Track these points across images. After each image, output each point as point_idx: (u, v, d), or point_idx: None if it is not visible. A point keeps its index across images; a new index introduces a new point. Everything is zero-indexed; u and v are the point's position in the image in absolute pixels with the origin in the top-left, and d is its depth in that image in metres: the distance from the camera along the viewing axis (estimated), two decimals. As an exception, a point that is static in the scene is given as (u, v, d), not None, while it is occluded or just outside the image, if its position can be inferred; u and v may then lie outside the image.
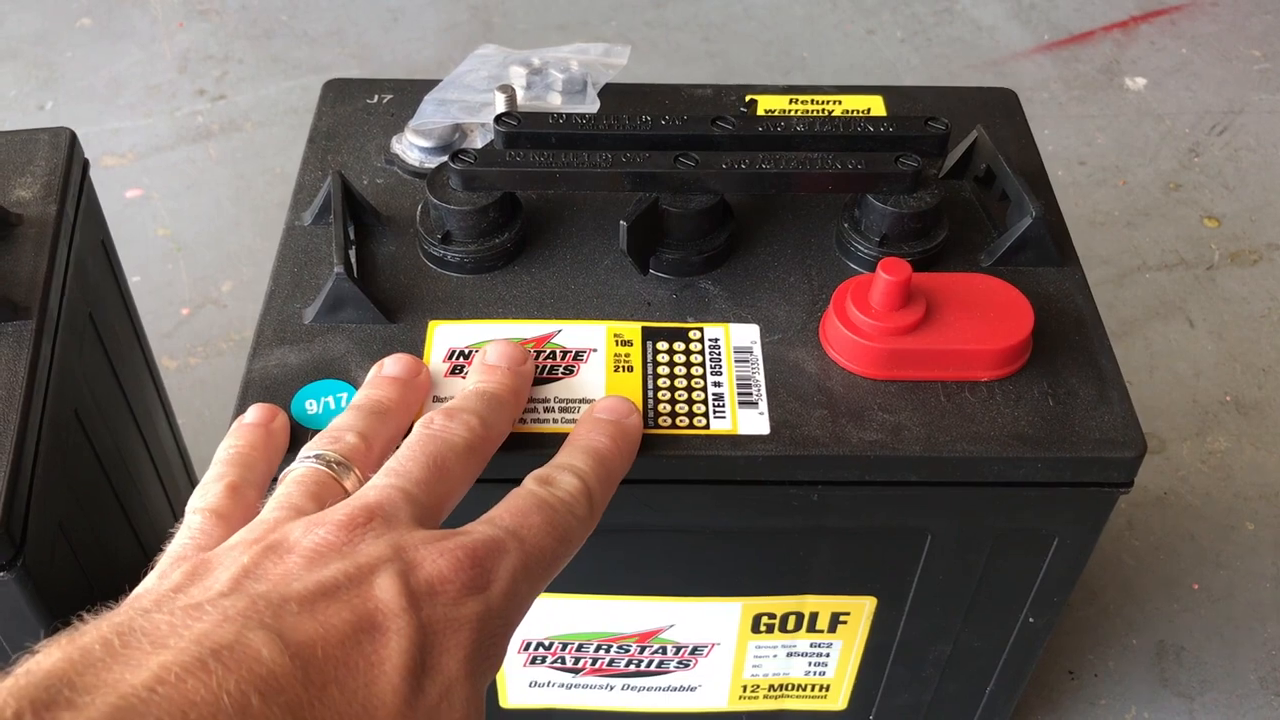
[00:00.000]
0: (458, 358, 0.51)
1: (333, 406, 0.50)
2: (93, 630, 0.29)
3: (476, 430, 0.42)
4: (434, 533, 0.37)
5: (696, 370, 0.51)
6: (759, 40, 1.45)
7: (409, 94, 0.64)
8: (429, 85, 0.63)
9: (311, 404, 0.50)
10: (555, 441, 0.49)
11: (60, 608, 0.52)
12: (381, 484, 0.39)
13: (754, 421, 0.50)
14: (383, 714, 0.30)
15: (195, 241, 1.16)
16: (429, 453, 0.40)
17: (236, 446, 0.44)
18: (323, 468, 0.41)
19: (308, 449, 0.42)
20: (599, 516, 0.43)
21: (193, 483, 0.84)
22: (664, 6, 1.49)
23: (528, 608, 0.38)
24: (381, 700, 0.30)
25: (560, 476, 0.42)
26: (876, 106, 0.65)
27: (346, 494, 0.40)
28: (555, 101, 0.62)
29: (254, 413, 0.47)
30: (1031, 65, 1.42)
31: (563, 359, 0.52)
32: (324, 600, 0.32)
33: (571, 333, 0.53)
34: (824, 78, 1.38)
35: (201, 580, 0.33)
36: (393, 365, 0.48)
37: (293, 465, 0.41)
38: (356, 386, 0.50)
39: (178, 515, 0.78)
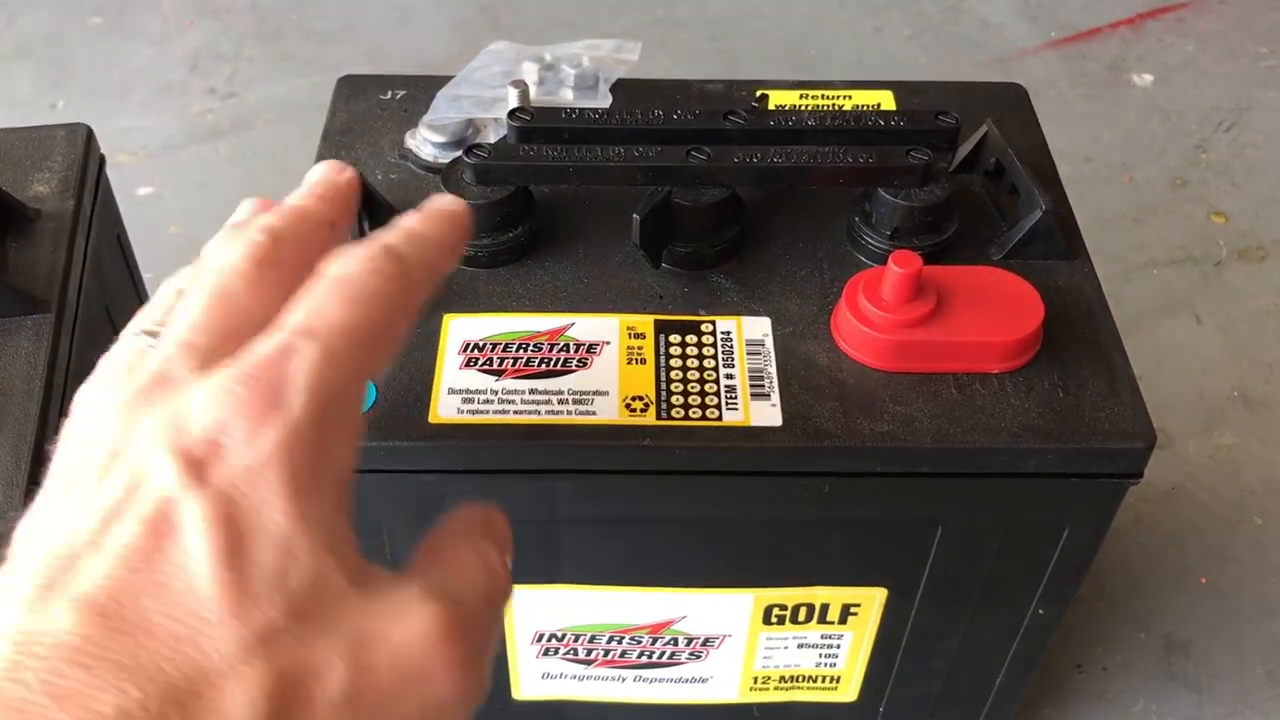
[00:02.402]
0: (472, 350, 0.52)
1: (349, 398, 0.50)
2: None
3: (260, 242, 0.34)
4: (207, 373, 0.30)
5: (709, 362, 0.52)
6: (767, 38, 1.45)
7: (422, 90, 0.65)
8: (442, 81, 0.63)
9: (328, 396, 0.50)
10: (571, 433, 0.49)
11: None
12: (161, 348, 0.32)
13: (766, 413, 0.50)
14: (216, 609, 0.26)
15: (207, 239, 1.16)
16: (205, 288, 0.33)
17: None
18: (142, 343, 0.34)
19: (131, 325, 0.35)
20: (421, 279, 0.35)
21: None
22: (672, 4, 1.49)
23: (358, 397, 0.31)
24: (209, 597, 0.26)
25: (356, 251, 0.34)
26: (886, 101, 0.65)
27: None
28: (567, 97, 0.63)
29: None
30: (1038, 62, 1.42)
31: (576, 352, 0.52)
32: (114, 528, 0.27)
33: (585, 326, 0.53)
34: (831, 75, 1.38)
35: (12, 566, 0.28)
36: (242, 209, 0.41)
37: (111, 349, 0.35)
38: (372, 379, 0.51)
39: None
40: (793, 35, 1.46)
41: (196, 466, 0.28)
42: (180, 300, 0.33)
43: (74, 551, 0.27)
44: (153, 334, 0.34)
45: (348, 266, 0.33)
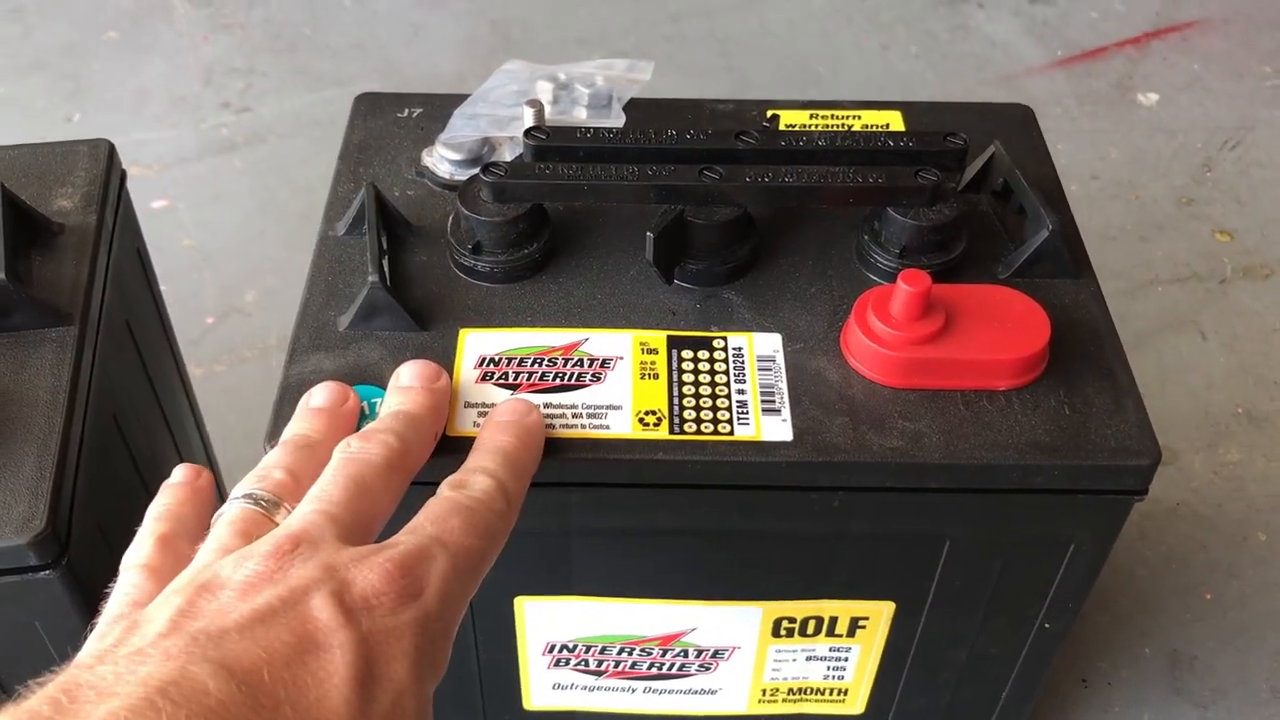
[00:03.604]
0: (488, 365, 0.53)
1: (367, 412, 0.51)
2: (38, 694, 0.30)
3: (394, 447, 0.43)
4: (362, 549, 0.38)
5: (720, 378, 0.53)
6: (775, 55, 1.46)
7: (438, 108, 0.66)
8: (458, 100, 0.64)
9: (347, 409, 0.51)
10: (585, 446, 0.50)
11: (99, 607, 0.53)
12: (304, 511, 0.39)
13: (777, 428, 0.51)
14: None
15: (220, 252, 1.18)
16: (348, 474, 0.41)
17: (165, 504, 0.44)
18: (251, 506, 0.41)
19: (236, 490, 0.42)
20: (518, 509, 0.44)
21: (222, 489, 0.85)
22: (681, 21, 1.51)
23: (463, 607, 0.39)
24: (335, 713, 0.32)
25: (472, 479, 0.43)
26: (895, 121, 0.66)
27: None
28: (581, 116, 0.64)
29: (179, 473, 0.46)
30: (1045, 81, 1.43)
31: (590, 366, 0.53)
32: (262, 626, 0.33)
33: (598, 341, 0.54)
34: (839, 92, 1.40)
35: (140, 630, 0.34)
36: (319, 396, 0.49)
37: (223, 508, 0.42)
38: (390, 392, 0.52)
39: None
40: (801, 53, 1.47)
41: (349, 613, 0.34)
42: (322, 477, 0.41)
43: (221, 631, 0.32)
44: (252, 498, 0.41)
45: (471, 495, 0.42)
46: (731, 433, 0.51)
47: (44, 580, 0.49)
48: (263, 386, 1.08)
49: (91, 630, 0.37)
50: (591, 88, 0.64)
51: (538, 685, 0.64)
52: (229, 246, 1.18)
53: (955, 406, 0.52)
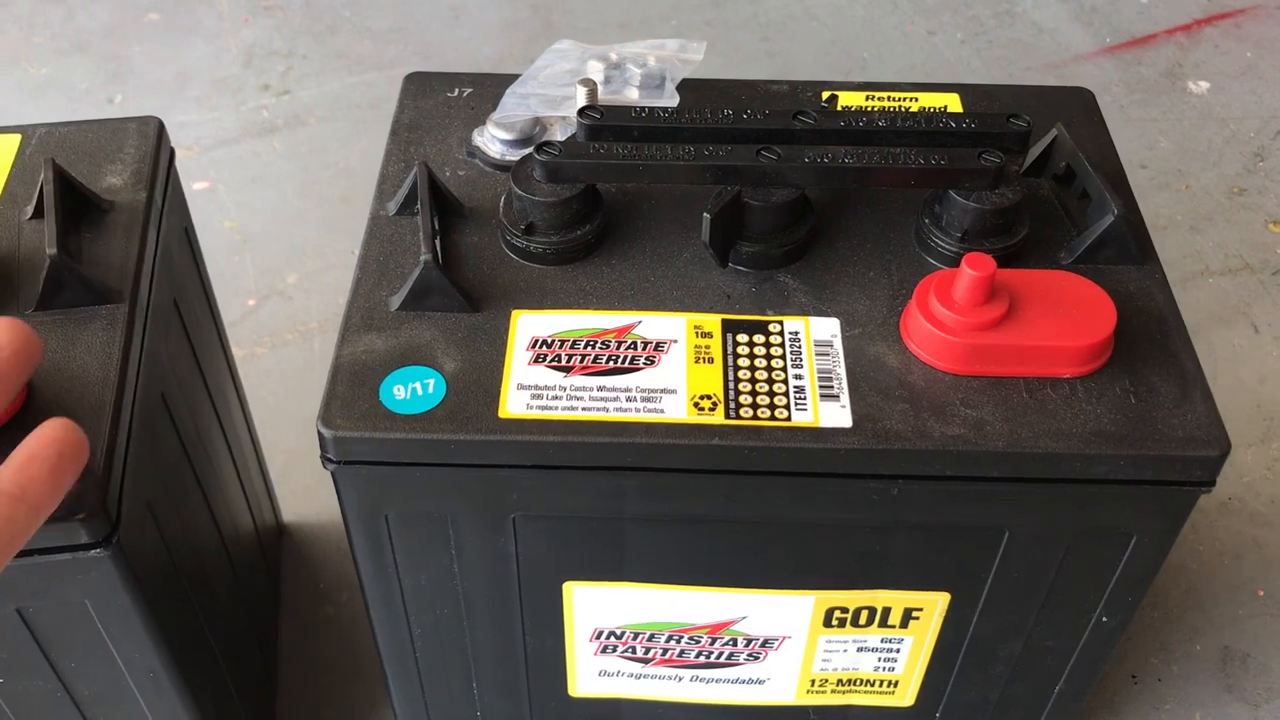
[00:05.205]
0: (541, 347, 0.52)
1: (419, 392, 0.50)
2: None
3: None
4: None
5: (777, 363, 0.52)
6: (819, 40, 1.45)
7: (488, 88, 0.65)
8: (508, 79, 0.63)
9: (399, 390, 0.50)
10: (639, 431, 0.49)
11: (148, 585, 0.53)
12: None
13: (835, 414, 0.50)
14: None
15: (261, 234, 1.18)
16: None
17: None
18: None
19: None
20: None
21: (263, 469, 0.85)
22: (723, 5, 1.49)
23: None
24: None
25: None
26: (953, 104, 0.65)
27: None
28: (633, 96, 0.63)
29: None
30: (1093, 68, 1.41)
31: (643, 349, 0.52)
32: None
33: (652, 324, 0.53)
34: (885, 78, 1.38)
35: None
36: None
37: None
38: (442, 373, 0.51)
39: (250, 500, 0.79)
40: (845, 38, 1.45)
41: None
42: None
43: None
44: None
45: None
46: (789, 418, 0.50)
47: (94, 558, 0.49)
48: (304, 369, 1.08)
49: None
50: (644, 67, 0.63)
51: (584, 672, 0.63)
52: (269, 229, 1.18)
53: (1018, 394, 0.50)
